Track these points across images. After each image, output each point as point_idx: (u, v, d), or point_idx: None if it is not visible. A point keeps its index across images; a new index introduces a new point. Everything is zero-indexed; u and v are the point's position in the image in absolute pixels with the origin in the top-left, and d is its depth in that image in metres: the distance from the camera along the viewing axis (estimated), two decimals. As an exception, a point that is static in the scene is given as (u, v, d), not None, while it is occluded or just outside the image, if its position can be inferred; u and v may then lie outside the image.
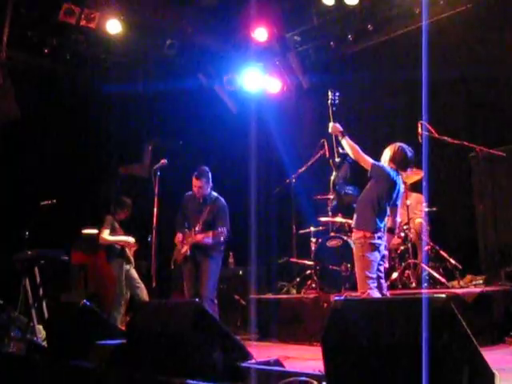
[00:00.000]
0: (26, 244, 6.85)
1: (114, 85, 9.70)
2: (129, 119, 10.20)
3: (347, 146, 5.45)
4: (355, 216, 5.45)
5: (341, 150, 5.74)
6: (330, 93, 5.71)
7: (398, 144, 5.43)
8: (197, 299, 5.90)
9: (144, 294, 7.40)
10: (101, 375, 3.72)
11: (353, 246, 5.60)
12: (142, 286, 7.46)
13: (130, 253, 7.64)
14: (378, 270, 5.23)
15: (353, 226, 5.51)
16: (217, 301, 6.39)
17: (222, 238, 6.29)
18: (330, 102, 5.69)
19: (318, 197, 7.83)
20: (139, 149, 10.95)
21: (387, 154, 5.43)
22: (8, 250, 7.07)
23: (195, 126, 10.24)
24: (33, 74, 9.01)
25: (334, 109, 5.66)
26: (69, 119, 9.39)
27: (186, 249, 6.42)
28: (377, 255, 5.18)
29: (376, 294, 5.06)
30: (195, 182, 6.44)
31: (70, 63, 9.27)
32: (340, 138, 5.51)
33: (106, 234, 7.60)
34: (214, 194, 6.58)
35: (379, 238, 5.21)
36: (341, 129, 5.52)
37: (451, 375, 2.27)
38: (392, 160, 5.36)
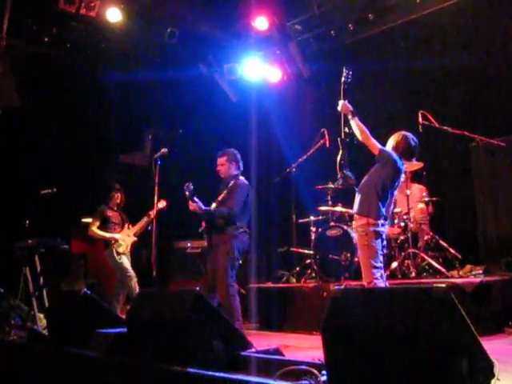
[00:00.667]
0: (26, 233, 6.86)
1: (114, 73, 9.67)
2: (129, 108, 10.17)
3: (356, 127, 5.24)
4: (358, 201, 5.25)
5: (347, 130, 5.41)
6: (344, 70, 5.53)
7: (402, 133, 5.35)
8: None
9: (133, 282, 7.44)
10: (101, 363, 3.74)
11: (353, 234, 5.59)
12: (132, 274, 7.50)
13: (122, 244, 7.66)
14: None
15: (355, 211, 5.29)
16: (233, 291, 6.02)
17: (226, 215, 6.01)
18: (343, 79, 5.52)
19: (319, 186, 7.83)
20: (139, 138, 10.95)
21: (391, 142, 5.34)
22: (8, 239, 7.08)
23: (195, 114, 10.24)
24: (32, 63, 8.97)
25: (345, 87, 5.48)
26: (69, 108, 9.37)
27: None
28: (380, 243, 5.08)
29: (381, 284, 4.95)
30: (217, 161, 6.35)
31: (69, 52, 9.24)
32: (350, 117, 5.29)
33: (94, 227, 7.75)
34: (241, 177, 6.35)
35: (382, 225, 5.10)
36: (351, 108, 5.31)
37: (450, 364, 2.28)
38: (395, 149, 5.26)
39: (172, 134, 10.74)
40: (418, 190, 7.47)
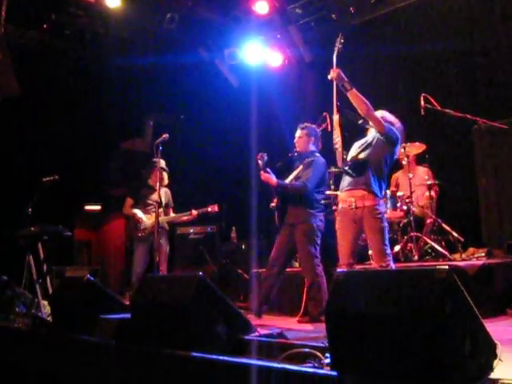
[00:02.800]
0: (29, 220, 6.87)
1: (114, 59, 9.64)
2: (129, 94, 10.14)
3: (356, 99, 4.73)
4: (365, 174, 4.82)
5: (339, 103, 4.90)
6: (340, 36, 5.11)
7: (394, 119, 5.13)
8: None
9: (134, 276, 7.31)
10: (106, 349, 3.76)
11: (351, 212, 4.90)
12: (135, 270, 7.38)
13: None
14: None
15: (362, 187, 4.82)
16: (320, 271, 5.94)
17: (300, 189, 5.90)
18: (337, 46, 5.09)
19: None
20: (140, 124, 10.94)
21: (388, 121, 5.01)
22: (11, 227, 7.09)
23: (196, 100, 10.21)
24: (32, 50, 8.94)
25: (338, 55, 5.04)
26: (69, 95, 9.36)
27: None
28: None
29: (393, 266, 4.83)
30: (296, 132, 6.25)
31: (69, 38, 9.20)
32: (348, 88, 4.74)
33: (126, 206, 7.55)
34: (317, 154, 6.20)
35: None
36: (346, 78, 4.76)
37: (453, 345, 2.29)
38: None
39: (173, 119, 10.72)
40: (422, 173, 7.46)
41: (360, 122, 4.95)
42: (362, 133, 5.20)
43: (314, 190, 5.98)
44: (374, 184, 4.81)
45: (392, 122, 5.04)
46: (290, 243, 6.03)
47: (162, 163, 7.12)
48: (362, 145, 5.02)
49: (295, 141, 6.24)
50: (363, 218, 4.82)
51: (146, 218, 7.28)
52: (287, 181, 6.08)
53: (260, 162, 5.93)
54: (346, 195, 4.92)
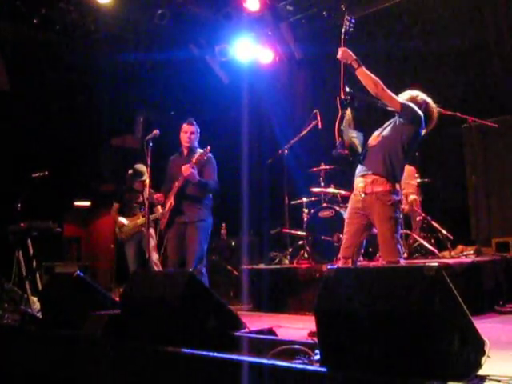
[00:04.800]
0: (18, 216, 6.84)
1: (105, 55, 9.60)
2: (120, 90, 10.11)
3: (366, 78, 4.40)
4: (377, 160, 4.40)
5: (347, 89, 4.54)
6: (346, 17, 4.77)
7: (423, 96, 4.63)
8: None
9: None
10: (95, 345, 3.75)
11: (346, 215, 4.66)
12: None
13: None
14: None
15: (375, 171, 4.38)
16: (205, 270, 5.95)
17: (209, 187, 5.94)
18: (344, 28, 4.73)
19: (311, 168, 7.83)
20: (131, 120, 10.90)
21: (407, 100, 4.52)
22: (0, 222, 7.06)
23: (187, 96, 10.18)
24: (22, 45, 8.89)
25: (346, 37, 4.70)
26: (59, 90, 9.31)
27: (168, 204, 6.01)
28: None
29: (404, 262, 4.40)
30: (187, 128, 6.16)
31: (59, 34, 9.15)
32: (355, 66, 4.43)
33: (113, 211, 7.81)
34: (201, 150, 6.14)
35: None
36: (354, 56, 4.47)
37: (442, 342, 2.30)
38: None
39: (163, 116, 10.70)
40: (408, 171, 7.48)
41: (379, 104, 4.53)
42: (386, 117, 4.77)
43: None
44: (387, 168, 4.35)
45: (419, 103, 4.56)
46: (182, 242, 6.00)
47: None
48: (380, 130, 4.62)
49: (186, 137, 6.16)
50: (372, 206, 4.36)
51: (127, 222, 7.53)
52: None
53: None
54: (357, 182, 4.52)
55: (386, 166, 4.34)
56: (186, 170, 5.79)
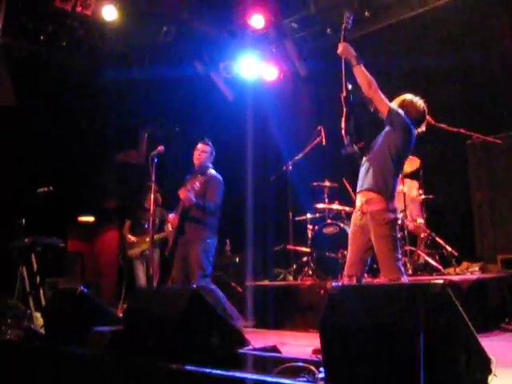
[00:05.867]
0: (22, 231, 6.85)
1: (110, 72, 9.65)
2: (125, 106, 10.16)
3: (362, 76, 4.38)
4: (370, 177, 4.35)
5: (350, 87, 4.48)
6: (346, 14, 4.79)
7: (407, 96, 4.61)
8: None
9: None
10: (98, 361, 3.73)
11: (357, 217, 4.45)
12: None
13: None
14: None
15: (368, 187, 4.35)
16: (214, 286, 5.90)
17: (206, 209, 5.88)
18: (344, 25, 4.74)
19: (315, 184, 7.83)
20: (136, 136, 10.94)
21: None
22: (5, 237, 7.07)
23: (191, 113, 10.23)
24: (28, 61, 8.95)
25: (345, 33, 4.72)
26: (65, 106, 9.36)
27: (173, 222, 6.08)
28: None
29: (406, 279, 4.26)
30: (199, 146, 6.23)
31: (65, 50, 9.22)
32: (354, 63, 4.43)
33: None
34: (213, 171, 6.19)
35: (396, 210, 4.35)
36: (354, 53, 4.47)
37: (448, 360, 2.28)
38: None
39: (168, 132, 10.73)
40: (412, 187, 7.48)
41: (372, 109, 4.49)
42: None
43: None
44: (380, 182, 4.30)
45: (407, 104, 4.52)
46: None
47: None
48: (374, 142, 4.57)
49: (197, 155, 6.22)
50: (369, 225, 4.32)
51: (136, 239, 7.83)
52: None
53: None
54: (357, 199, 4.51)
55: (378, 181, 4.31)
56: (182, 192, 5.82)
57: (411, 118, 4.45)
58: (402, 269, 4.26)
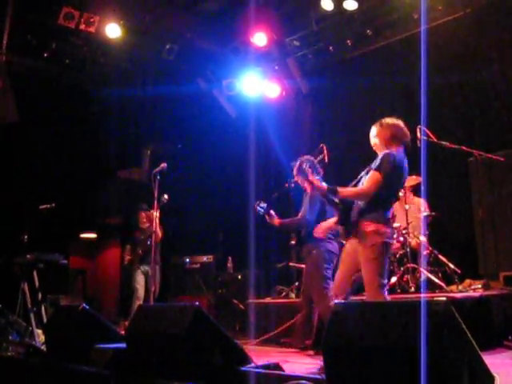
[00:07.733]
0: (24, 248, 6.85)
1: (113, 89, 9.72)
2: (128, 123, 10.22)
3: (349, 196, 4.44)
4: (358, 205, 4.43)
5: (324, 184, 4.47)
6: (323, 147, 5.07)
7: (388, 121, 4.67)
8: None
9: (134, 298, 7.80)
10: (100, 379, 3.72)
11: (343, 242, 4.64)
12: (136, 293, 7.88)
13: None
14: None
15: (357, 217, 4.40)
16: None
17: (300, 223, 6.08)
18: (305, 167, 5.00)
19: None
20: (138, 153, 10.97)
21: (380, 137, 4.60)
22: (7, 254, 7.07)
23: (194, 130, 10.27)
24: (32, 78, 9.01)
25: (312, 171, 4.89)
26: (68, 123, 9.40)
27: None
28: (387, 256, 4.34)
29: None
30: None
31: (69, 67, 9.29)
32: (333, 194, 4.39)
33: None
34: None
35: (392, 235, 4.42)
36: (325, 186, 4.40)
37: (451, 378, 2.27)
38: (391, 139, 4.53)
39: (171, 149, 10.76)
40: (419, 204, 7.47)
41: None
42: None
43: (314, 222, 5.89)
44: (367, 211, 4.34)
45: (400, 137, 4.60)
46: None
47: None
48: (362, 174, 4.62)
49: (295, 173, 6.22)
50: (357, 248, 4.36)
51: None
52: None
53: (260, 209, 6.07)
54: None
55: (371, 207, 4.33)
56: None
57: (404, 141, 4.58)
58: (385, 294, 4.25)
